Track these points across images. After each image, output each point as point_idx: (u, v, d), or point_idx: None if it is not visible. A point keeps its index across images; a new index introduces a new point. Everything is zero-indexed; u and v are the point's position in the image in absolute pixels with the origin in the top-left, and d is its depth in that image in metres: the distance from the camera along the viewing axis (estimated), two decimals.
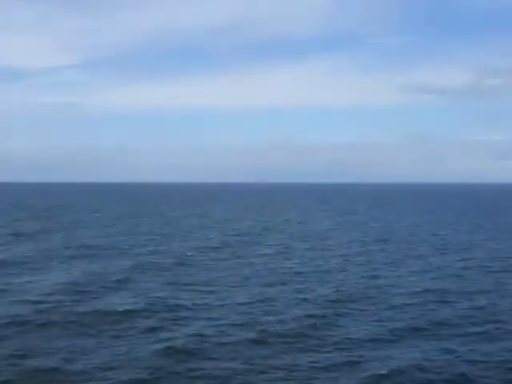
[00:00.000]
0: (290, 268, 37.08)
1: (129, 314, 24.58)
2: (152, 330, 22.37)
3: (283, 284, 31.63)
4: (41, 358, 18.96)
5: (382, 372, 17.85)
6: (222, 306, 26.34)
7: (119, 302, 26.72)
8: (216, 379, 17.37)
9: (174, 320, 23.82)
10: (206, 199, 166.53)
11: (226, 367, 18.34)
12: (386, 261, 40.72)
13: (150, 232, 60.68)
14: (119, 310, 25.06)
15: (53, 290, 28.96)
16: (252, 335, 21.61)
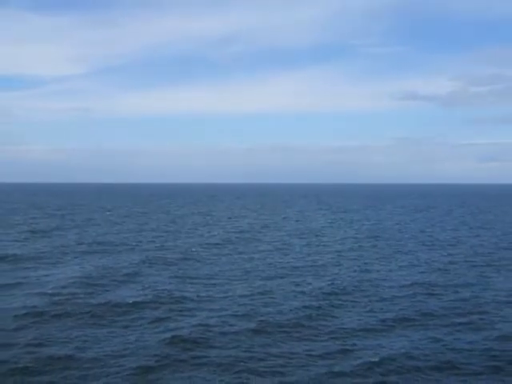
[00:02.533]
0: (288, 263, 37.03)
1: (138, 305, 24.59)
2: (159, 320, 22.41)
3: (281, 278, 31.60)
4: (56, 347, 18.98)
5: (374, 359, 17.85)
6: (225, 297, 26.34)
7: (129, 294, 26.73)
8: (219, 366, 17.37)
9: (180, 311, 23.84)
10: (208, 199, 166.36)
11: (228, 355, 18.35)
12: (377, 256, 40.67)
13: (157, 229, 60.59)
14: (129, 301, 25.06)
15: (67, 283, 28.95)
16: (252, 325, 21.64)
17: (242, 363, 17.58)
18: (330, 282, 29.81)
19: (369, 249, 45.05)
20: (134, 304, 24.70)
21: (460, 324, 22.27)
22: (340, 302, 25.67)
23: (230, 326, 21.62)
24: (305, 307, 24.57)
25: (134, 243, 47.17)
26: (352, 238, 53.57)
